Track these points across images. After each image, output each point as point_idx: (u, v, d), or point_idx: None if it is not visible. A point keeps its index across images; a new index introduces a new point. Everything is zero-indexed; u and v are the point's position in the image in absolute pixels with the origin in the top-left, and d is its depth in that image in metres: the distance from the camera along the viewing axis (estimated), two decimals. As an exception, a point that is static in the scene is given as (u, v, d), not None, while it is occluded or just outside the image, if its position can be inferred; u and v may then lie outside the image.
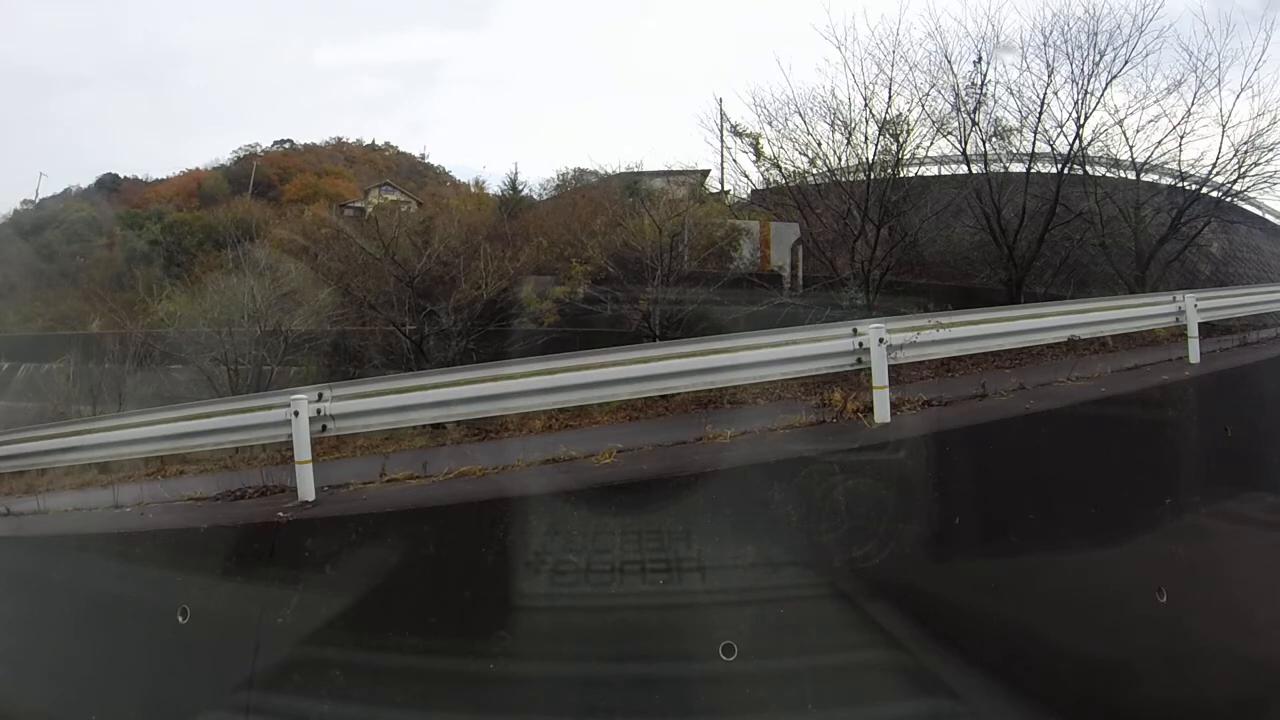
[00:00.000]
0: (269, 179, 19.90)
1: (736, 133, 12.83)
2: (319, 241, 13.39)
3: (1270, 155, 10.52)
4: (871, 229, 10.70)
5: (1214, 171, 10.72)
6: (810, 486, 4.39)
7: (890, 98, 11.05)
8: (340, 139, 22.61)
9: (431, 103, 29.71)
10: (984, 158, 11.33)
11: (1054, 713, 4.04)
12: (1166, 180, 11.20)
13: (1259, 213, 12.67)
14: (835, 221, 11.33)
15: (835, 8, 15.30)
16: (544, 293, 11.27)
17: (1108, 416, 5.35)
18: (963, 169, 11.58)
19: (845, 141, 11.41)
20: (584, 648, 4.22)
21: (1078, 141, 10.86)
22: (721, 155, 13.87)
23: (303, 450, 5.05)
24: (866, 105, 11.11)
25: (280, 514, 4.77)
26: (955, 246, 11.85)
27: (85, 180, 20.20)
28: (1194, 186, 10.99)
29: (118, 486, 6.42)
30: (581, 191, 15.80)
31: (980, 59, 11.14)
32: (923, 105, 11.20)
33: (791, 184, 12.28)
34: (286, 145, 21.32)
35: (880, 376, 5.14)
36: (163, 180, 19.84)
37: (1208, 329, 7.30)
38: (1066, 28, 10.73)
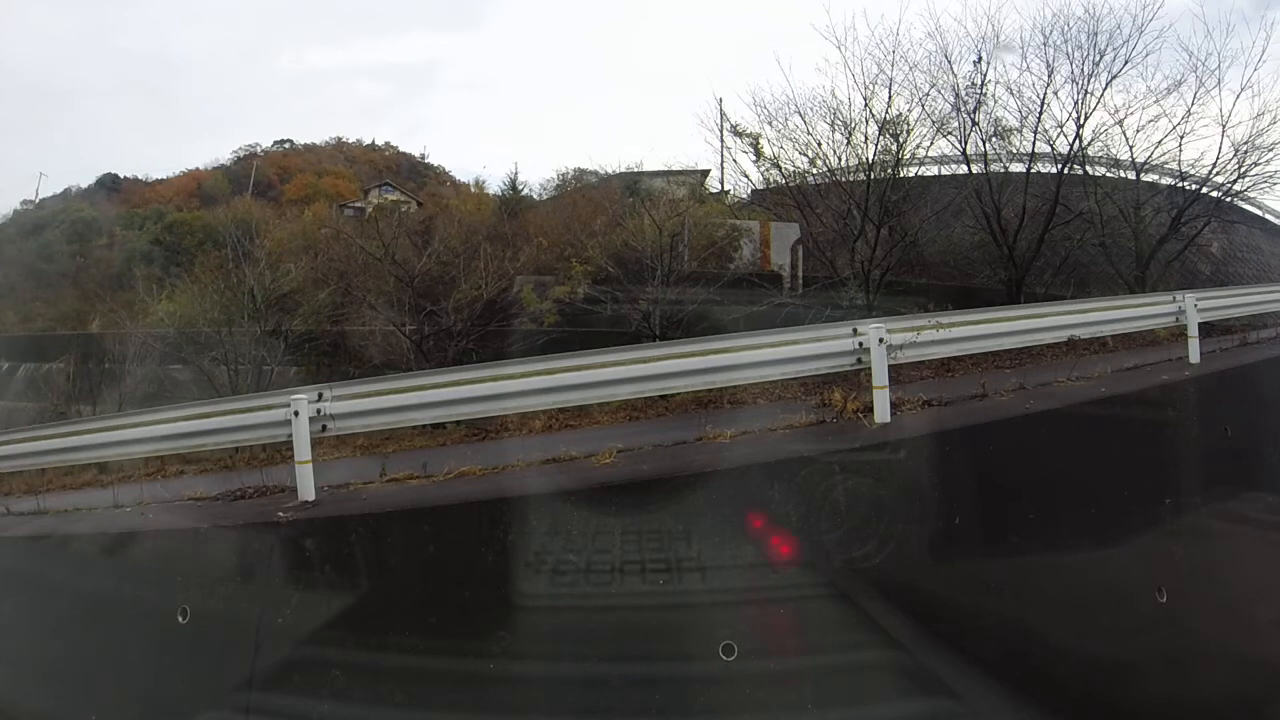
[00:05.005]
0: (269, 179, 19.91)
1: (736, 133, 12.87)
2: (319, 242, 13.39)
3: (1270, 155, 10.55)
4: (871, 229, 10.71)
5: (1214, 171, 10.75)
6: (810, 486, 4.39)
7: (890, 98, 11.09)
8: (340, 139, 22.63)
9: (430, 103, 29.78)
10: (984, 158, 11.35)
11: (1054, 713, 4.03)
12: (1166, 180, 11.20)
13: (1259, 213, 12.70)
14: (835, 221, 11.33)
15: (835, 8, 15.25)
16: (544, 293, 11.27)
17: (1108, 416, 5.35)
18: (963, 169, 11.61)
19: (845, 141, 11.45)
20: (584, 648, 4.22)
21: (1078, 141, 10.88)
22: (721, 155, 13.90)
23: (303, 450, 5.05)
24: (866, 105, 11.14)
25: (280, 514, 4.77)
26: (955, 246, 11.84)
27: (85, 180, 20.24)
28: (1194, 186, 10.99)
29: (118, 486, 6.43)
30: (581, 191, 15.78)
31: (980, 59, 11.18)
32: (923, 105, 11.24)
33: (791, 184, 12.28)
34: (286, 145, 21.36)
35: (880, 376, 5.14)
36: (163, 180, 19.88)
37: (1208, 329, 7.29)
38: (1066, 28, 10.77)
